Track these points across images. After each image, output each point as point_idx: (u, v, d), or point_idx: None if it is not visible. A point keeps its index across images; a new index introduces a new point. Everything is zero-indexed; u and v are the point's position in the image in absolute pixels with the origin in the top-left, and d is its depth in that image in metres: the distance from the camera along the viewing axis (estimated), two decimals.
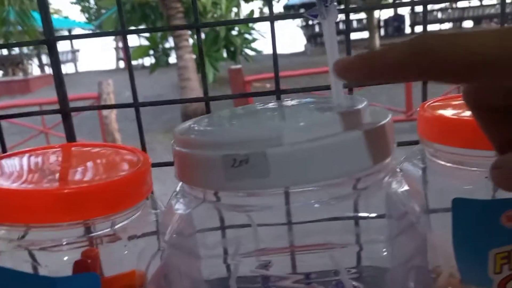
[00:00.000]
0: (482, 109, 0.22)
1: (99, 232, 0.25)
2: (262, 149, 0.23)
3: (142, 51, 7.06)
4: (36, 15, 6.33)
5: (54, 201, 0.23)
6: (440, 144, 0.29)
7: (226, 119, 0.30)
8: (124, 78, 0.51)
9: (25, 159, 0.29)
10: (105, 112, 3.72)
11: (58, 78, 0.41)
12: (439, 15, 12.13)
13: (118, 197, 0.25)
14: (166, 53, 6.88)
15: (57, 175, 0.26)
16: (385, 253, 0.25)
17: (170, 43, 6.67)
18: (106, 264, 0.27)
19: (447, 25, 12.19)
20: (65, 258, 0.25)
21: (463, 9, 12.25)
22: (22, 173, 0.27)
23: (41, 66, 11.06)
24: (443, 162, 0.29)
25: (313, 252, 0.26)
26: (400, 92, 3.85)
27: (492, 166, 0.20)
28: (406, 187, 0.26)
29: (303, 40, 12.75)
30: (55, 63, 0.41)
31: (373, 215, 0.25)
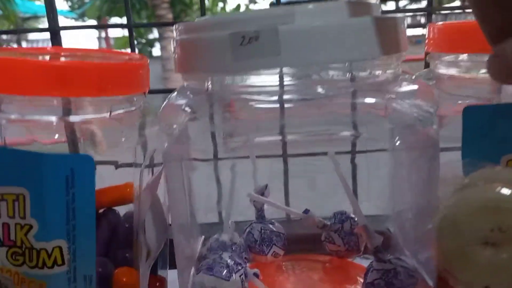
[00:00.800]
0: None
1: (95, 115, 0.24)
2: (273, 25, 0.21)
3: (125, 42, 6.94)
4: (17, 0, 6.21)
5: (38, 71, 0.21)
6: (448, 53, 0.28)
7: None
8: None
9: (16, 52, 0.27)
10: (82, 129, 3.63)
11: None
12: None
13: (108, 80, 0.23)
14: (150, 44, 6.81)
15: (48, 57, 0.24)
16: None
17: (154, 34, 6.60)
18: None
19: None
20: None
21: None
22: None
23: None
24: (451, 73, 0.28)
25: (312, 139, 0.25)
26: None
27: (488, 58, 0.19)
28: (415, 87, 0.25)
29: None
30: None
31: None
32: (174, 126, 0.25)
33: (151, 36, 6.77)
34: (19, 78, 0.21)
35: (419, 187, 0.29)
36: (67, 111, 0.24)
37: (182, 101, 0.25)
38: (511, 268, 0.18)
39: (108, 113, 0.24)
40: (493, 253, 0.18)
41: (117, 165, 0.29)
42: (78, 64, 0.23)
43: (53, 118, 0.24)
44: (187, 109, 0.26)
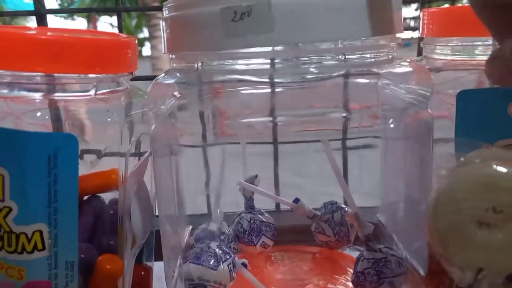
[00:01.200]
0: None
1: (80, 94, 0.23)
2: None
3: None
4: None
5: (22, 45, 0.20)
6: (442, 37, 0.28)
7: None
8: None
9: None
10: (67, 108, 3.60)
11: None
12: None
13: (95, 57, 0.22)
14: (140, 43, 6.78)
15: (34, 31, 0.23)
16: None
17: (144, 33, 6.57)
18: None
19: None
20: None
21: None
22: None
23: None
24: (444, 57, 0.28)
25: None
26: None
27: (487, 60, 0.19)
28: (409, 69, 0.25)
29: None
30: None
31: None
32: (162, 106, 0.24)
33: (141, 36, 6.74)
34: (2, 52, 0.20)
35: (412, 175, 0.28)
36: (51, 89, 0.23)
37: (170, 81, 0.25)
38: (506, 250, 0.17)
39: (94, 92, 0.23)
40: (488, 234, 0.17)
41: (101, 154, 0.29)
42: (65, 39, 0.22)
43: (37, 95, 0.23)
44: (175, 88, 0.25)
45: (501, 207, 0.17)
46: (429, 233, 0.18)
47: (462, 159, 0.18)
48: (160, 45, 0.26)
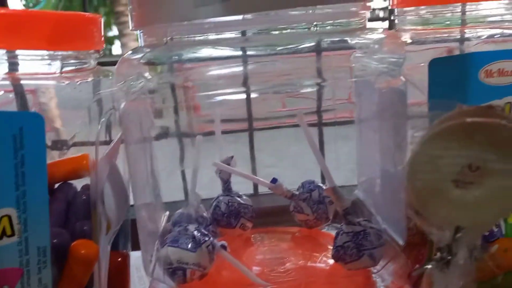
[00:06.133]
0: None
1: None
2: None
3: None
4: None
5: None
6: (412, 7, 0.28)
7: None
8: None
9: None
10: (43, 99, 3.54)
11: None
12: None
13: (59, 32, 0.21)
14: (109, 41, 6.65)
15: None
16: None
17: (114, 32, 6.46)
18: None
19: None
20: None
21: None
22: None
23: None
24: (415, 27, 0.28)
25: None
26: None
27: None
28: (381, 36, 0.25)
29: None
30: None
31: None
32: (132, 83, 0.23)
33: (110, 34, 6.62)
34: None
35: (387, 147, 0.28)
36: (14, 66, 0.22)
37: (138, 56, 0.24)
38: (483, 207, 0.17)
39: (59, 70, 0.22)
40: (466, 192, 0.17)
41: (69, 145, 0.28)
42: (26, 13, 0.21)
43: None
44: (145, 68, 0.24)
45: (477, 163, 0.17)
46: (407, 194, 0.18)
47: (439, 120, 0.18)
48: (131, 42, 0.25)
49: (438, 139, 0.17)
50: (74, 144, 0.28)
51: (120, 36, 5.09)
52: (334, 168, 0.36)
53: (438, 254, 0.18)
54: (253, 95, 0.25)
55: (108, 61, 0.41)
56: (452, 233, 0.18)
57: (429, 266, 0.18)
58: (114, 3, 4.98)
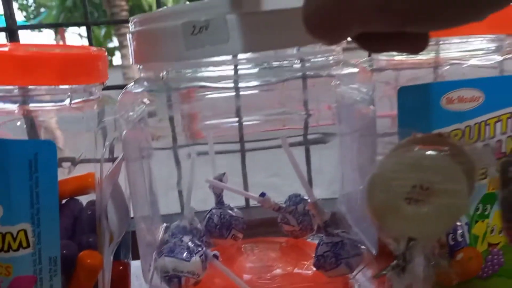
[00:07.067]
0: None
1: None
2: (222, 14, 0.23)
3: None
4: None
5: None
6: None
7: None
8: None
9: None
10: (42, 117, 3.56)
11: None
12: None
13: (67, 69, 0.25)
14: (110, 52, 6.73)
15: (7, 48, 0.25)
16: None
17: (114, 42, 6.52)
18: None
19: None
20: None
21: None
22: None
23: None
24: (387, 57, 0.31)
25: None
26: None
27: None
28: (355, 70, 0.28)
29: None
30: None
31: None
32: (131, 113, 0.26)
33: (111, 45, 6.69)
34: None
35: (363, 165, 0.32)
36: (27, 100, 0.25)
37: (139, 89, 0.27)
38: (431, 221, 0.20)
39: (69, 101, 0.26)
40: (416, 208, 0.20)
41: (77, 161, 0.31)
42: (38, 54, 0.24)
43: (14, 107, 0.25)
44: (144, 95, 0.27)
45: (427, 184, 0.20)
46: (367, 211, 0.21)
47: (392, 146, 0.21)
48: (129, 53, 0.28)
49: (390, 164, 0.20)
50: (81, 161, 0.31)
51: (120, 47, 5.15)
52: (320, 183, 0.39)
53: (395, 261, 0.21)
54: (245, 121, 0.28)
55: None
56: (405, 244, 0.21)
57: (385, 272, 0.21)
58: (114, 15, 5.05)
